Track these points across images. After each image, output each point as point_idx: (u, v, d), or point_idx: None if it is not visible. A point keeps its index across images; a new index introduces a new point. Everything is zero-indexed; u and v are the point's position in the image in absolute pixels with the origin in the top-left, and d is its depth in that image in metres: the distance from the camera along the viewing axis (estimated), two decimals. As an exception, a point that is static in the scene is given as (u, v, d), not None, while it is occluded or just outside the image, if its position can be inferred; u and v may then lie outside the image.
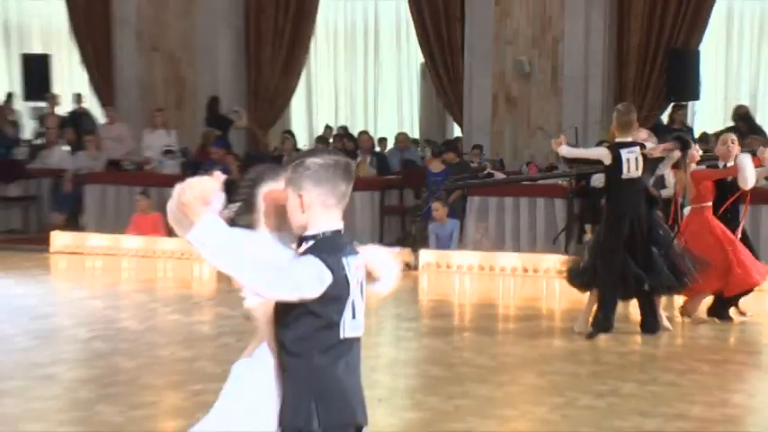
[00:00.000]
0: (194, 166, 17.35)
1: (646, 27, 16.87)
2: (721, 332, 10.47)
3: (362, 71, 20.76)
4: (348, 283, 3.54)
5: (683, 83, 16.41)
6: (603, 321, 9.71)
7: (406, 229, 15.57)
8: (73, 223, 17.06)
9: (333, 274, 3.48)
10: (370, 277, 3.75)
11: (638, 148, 9.74)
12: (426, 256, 14.11)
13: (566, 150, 10.10)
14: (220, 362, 8.39)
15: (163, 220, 15.84)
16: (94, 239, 15.52)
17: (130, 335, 9.58)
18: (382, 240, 15.67)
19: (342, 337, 3.55)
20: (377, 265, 3.82)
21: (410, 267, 14.09)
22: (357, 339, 3.63)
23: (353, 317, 3.59)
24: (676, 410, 7.15)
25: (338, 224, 3.61)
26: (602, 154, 9.90)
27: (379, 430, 6.62)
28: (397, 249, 4.40)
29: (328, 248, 3.53)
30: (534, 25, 17.19)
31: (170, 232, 15.92)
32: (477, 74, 17.54)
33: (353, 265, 3.58)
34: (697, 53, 16.66)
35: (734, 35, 17.81)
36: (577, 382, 7.89)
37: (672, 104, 16.62)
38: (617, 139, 9.89)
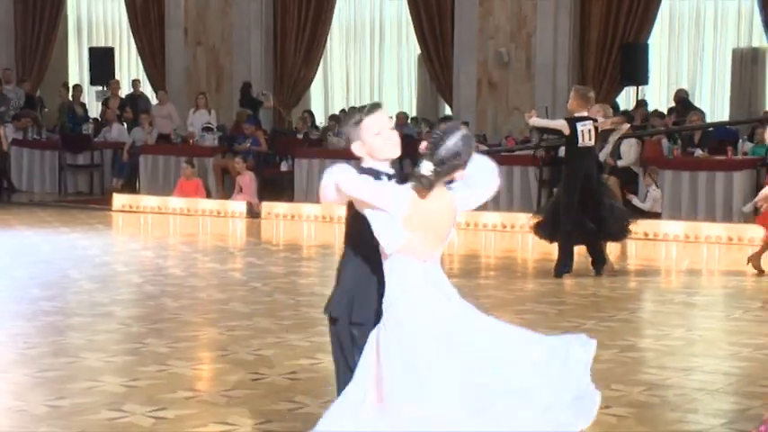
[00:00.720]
0: (230, 139, 17.23)
1: (603, 24, 16.71)
2: (665, 278, 10.37)
3: (369, 61, 20.56)
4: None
5: (634, 70, 16.25)
6: (564, 265, 9.66)
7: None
8: (130, 187, 16.97)
9: None
10: None
11: (591, 121, 9.66)
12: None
13: (534, 120, 10.10)
14: (249, 303, 8.32)
15: (203, 184, 15.75)
16: (147, 200, 15.41)
17: (175, 280, 9.48)
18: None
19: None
20: None
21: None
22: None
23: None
24: (629, 342, 7.03)
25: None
26: (562, 125, 9.80)
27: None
28: None
29: None
30: (512, 22, 17.07)
31: (208, 194, 15.83)
32: (464, 63, 17.43)
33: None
34: (646, 45, 16.53)
35: (676, 29, 17.60)
36: (546, 320, 7.76)
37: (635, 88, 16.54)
38: (575, 114, 9.75)
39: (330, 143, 16.47)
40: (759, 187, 13.58)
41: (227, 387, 5.82)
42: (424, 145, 3.70)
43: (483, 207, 14.43)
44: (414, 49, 19.54)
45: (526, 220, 12.48)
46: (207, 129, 17.19)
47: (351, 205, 3.74)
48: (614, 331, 7.38)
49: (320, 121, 19.21)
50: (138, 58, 20.65)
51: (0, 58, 20.84)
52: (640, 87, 16.83)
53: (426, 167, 3.62)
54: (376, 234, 3.58)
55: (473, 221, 13.44)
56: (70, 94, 19.42)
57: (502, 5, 17.07)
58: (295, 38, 19.05)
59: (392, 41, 20.35)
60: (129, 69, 21.53)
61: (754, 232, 11.89)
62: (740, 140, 14.39)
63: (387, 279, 3.60)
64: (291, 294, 8.68)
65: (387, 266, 3.62)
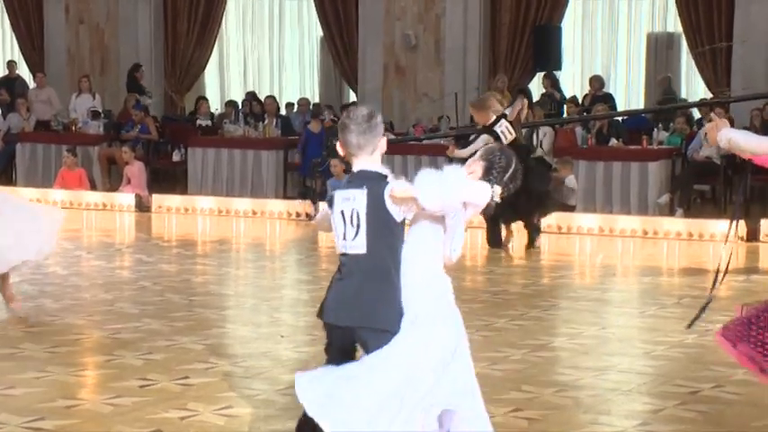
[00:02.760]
0: (117, 126, 16.98)
1: (515, 6, 16.93)
2: (579, 274, 10.58)
3: (268, 43, 20.44)
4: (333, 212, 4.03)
5: (547, 55, 16.51)
6: (495, 241, 10.95)
7: (306, 184, 15.40)
8: (5, 178, 16.57)
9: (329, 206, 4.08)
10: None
11: (503, 120, 10.46)
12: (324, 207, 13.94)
13: (458, 153, 10.72)
14: (138, 303, 8.21)
15: (87, 174, 15.46)
16: (25, 192, 15.03)
17: (56, 279, 9.29)
18: (286, 193, 15.48)
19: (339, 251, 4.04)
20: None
21: (310, 218, 13.94)
22: (353, 256, 3.98)
23: (343, 238, 4.00)
24: (541, 342, 7.14)
25: (354, 167, 4.03)
26: (487, 138, 10.34)
27: (282, 363, 6.50)
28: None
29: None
30: (419, 3, 17.17)
31: (93, 186, 15.56)
32: (369, 46, 17.46)
33: (339, 197, 4.01)
34: (559, 29, 16.79)
35: (589, 12, 17.94)
36: (456, 318, 7.82)
37: (543, 74, 16.75)
38: (488, 122, 10.52)
39: (227, 131, 16.33)
40: (675, 179, 13.97)
41: (113, 395, 5.73)
42: (484, 168, 4.15)
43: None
44: (316, 30, 19.51)
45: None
46: (93, 115, 16.89)
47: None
48: (526, 330, 7.49)
49: (215, 107, 19.04)
50: (13, 36, 20.16)
51: None
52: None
53: (497, 193, 4.09)
54: (459, 237, 4.07)
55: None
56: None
57: (409, -15, 17.16)
58: (187, 16, 18.83)
59: (292, 22, 20.29)
60: (4, 49, 21.02)
61: (670, 225, 12.22)
62: (655, 129, 14.74)
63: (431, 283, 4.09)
64: (184, 294, 8.59)
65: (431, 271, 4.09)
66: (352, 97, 18.63)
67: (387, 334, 3.95)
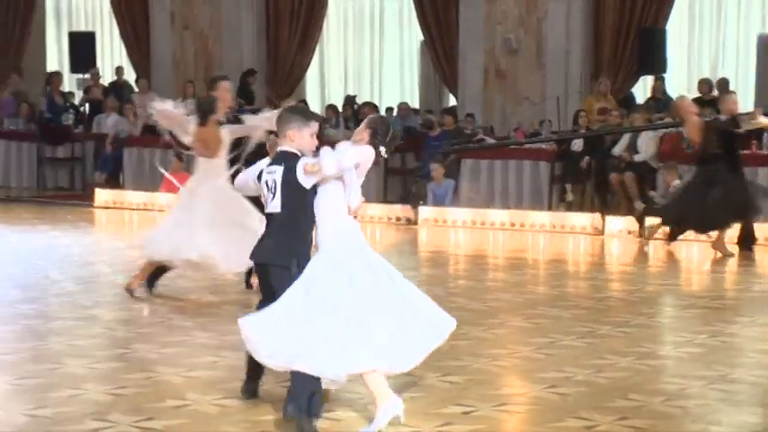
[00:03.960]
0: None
1: (619, 8, 16.71)
2: (685, 281, 10.39)
3: (369, 48, 20.55)
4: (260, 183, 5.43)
5: (652, 58, 16.26)
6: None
7: (407, 188, 15.44)
8: (113, 182, 16.96)
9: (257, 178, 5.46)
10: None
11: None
12: (425, 212, 13.98)
13: None
14: (244, 306, 8.31)
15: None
16: (132, 196, 15.42)
17: (163, 281, 9.44)
18: (386, 198, 15.55)
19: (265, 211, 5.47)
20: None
21: (411, 222, 13.98)
22: (272, 214, 5.39)
23: (268, 201, 5.39)
24: (647, 350, 7.04)
25: (282, 148, 5.43)
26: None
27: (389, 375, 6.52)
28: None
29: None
30: (521, 7, 17.05)
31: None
32: (470, 50, 17.40)
33: (265, 172, 5.41)
34: (664, 31, 16.52)
35: (696, 14, 17.59)
36: (559, 325, 7.78)
37: (653, 77, 16.51)
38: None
39: (327, 136, 16.44)
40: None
41: (220, 395, 5.83)
42: (369, 134, 5.48)
43: (490, 204, 14.48)
44: (416, 35, 19.53)
45: (537, 218, 12.55)
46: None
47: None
48: (631, 337, 7.39)
49: (317, 111, 19.20)
50: (122, 43, 20.63)
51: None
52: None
53: (383, 151, 5.51)
54: (356, 190, 5.35)
55: (479, 219, 13.46)
56: (45, 81, 19.40)
57: (510, -12, 17.07)
58: (289, 21, 19.04)
59: (393, 27, 20.36)
60: (113, 56, 21.53)
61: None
62: (765, 134, 14.38)
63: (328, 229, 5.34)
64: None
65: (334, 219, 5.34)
66: (452, 101, 18.61)
67: (285, 271, 5.30)
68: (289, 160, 5.34)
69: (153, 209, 14.90)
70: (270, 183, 5.38)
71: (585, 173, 14.64)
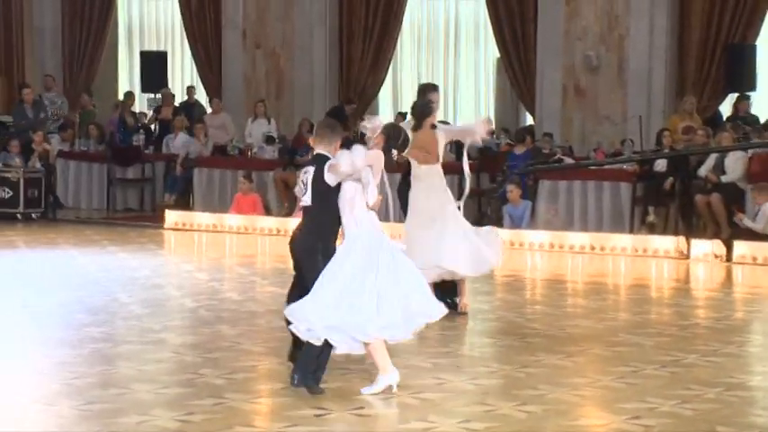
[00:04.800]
0: (291, 152, 17.33)
1: (705, 24, 16.51)
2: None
3: (443, 66, 20.57)
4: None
5: (740, 75, 16.02)
6: None
7: (482, 210, 15.36)
8: (183, 203, 17.16)
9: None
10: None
11: None
12: (501, 234, 13.87)
13: None
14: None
15: (261, 200, 15.88)
16: (202, 218, 15.57)
17: (232, 304, 9.55)
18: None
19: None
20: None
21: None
22: (305, 207, 6.58)
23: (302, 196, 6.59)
24: (737, 380, 6.88)
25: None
26: None
27: (458, 392, 6.49)
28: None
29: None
30: (602, 23, 16.94)
31: (268, 211, 15.95)
32: (548, 68, 17.32)
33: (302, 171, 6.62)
34: (754, 47, 16.28)
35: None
36: (642, 353, 7.65)
37: (737, 95, 16.27)
38: None
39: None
40: None
41: (289, 423, 5.83)
42: (384, 139, 6.80)
43: (569, 226, 14.32)
44: (492, 52, 19.51)
45: (618, 241, 12.39)
46: (267, 139, 17.31)
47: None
48: (719, 367, 7.24)
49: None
50: (193, 63, 20.93)
51: (46, 64, 21.31)
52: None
53: (395, 154, 6.89)
54: (372, 188, 6.44)
55: (558, 242, 13.33)
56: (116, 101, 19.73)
57: (590, 4, 16.95)
58: (362, 40, 19.13)
59: (468, 44, 20.36)
60: (183, 75, 21.84)
61: None
62: None
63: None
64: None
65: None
66: (529, 120, 18.52)
67: (313, 257, 6.40)
68: (320, 161, 6.49)
69: (222, 230, 15.04)
70: (305, 180, 6.53)
71: (669, 194, 14.44)
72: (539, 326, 8.60)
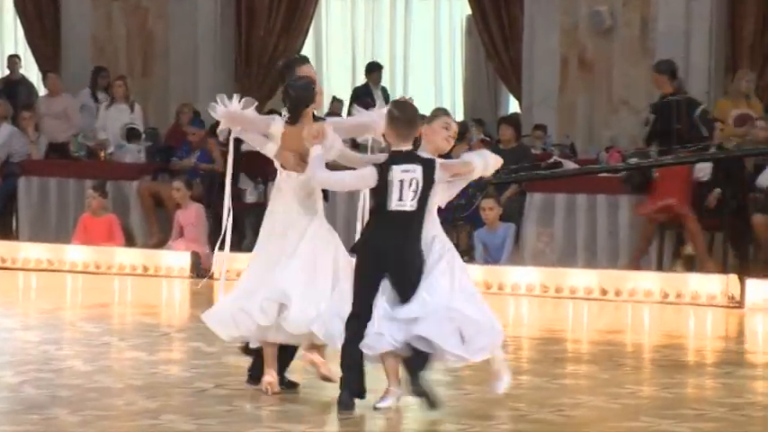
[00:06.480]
0: (165, 152, 17.30)
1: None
2: None
3: (388, 29, 20.73)
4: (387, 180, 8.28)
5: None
6: None
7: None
8: (2, 228, 17.05)
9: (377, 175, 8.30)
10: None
11: None
12: (471, 272, 13.98)
13: None
14: (194, 415, 8.33)
15: (120, 223, 15.80)
16: (30, 250, 15.50)
17: (75, 379, 9.50)
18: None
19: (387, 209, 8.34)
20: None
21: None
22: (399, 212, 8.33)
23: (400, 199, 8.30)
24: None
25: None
26: None
27: None
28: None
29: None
30: (618, -33, 17.17)
31: (130, 240, 15.90)
32: (540, 30, 17.47)
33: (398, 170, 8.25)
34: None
35: None
36: (675, 446, 7.77)
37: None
38: None
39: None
40: None
41: None
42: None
43: (569, 259, 14.57)
44: (460, 8, 19.73)
45: (639, 282, 12.54)
46: (131, 133, 17.28)
47: None
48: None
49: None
50: (17, 20, 20.81)
51: None
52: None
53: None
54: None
55: (553, 283, 13.45)
56: None
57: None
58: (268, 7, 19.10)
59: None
60: (3, 40, 21.74)
61: None
62: None
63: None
64: (262, 402, 8.70)
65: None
66: (513, 106, 18.72)
67: (412, 266, 8.38)
68: (426, 162, 8.46)
69: (61, 268, 15.00)
70: (404, 180, 8.38)
71: (715, 214, 14.63)
72: (522, 406, 8.67)
